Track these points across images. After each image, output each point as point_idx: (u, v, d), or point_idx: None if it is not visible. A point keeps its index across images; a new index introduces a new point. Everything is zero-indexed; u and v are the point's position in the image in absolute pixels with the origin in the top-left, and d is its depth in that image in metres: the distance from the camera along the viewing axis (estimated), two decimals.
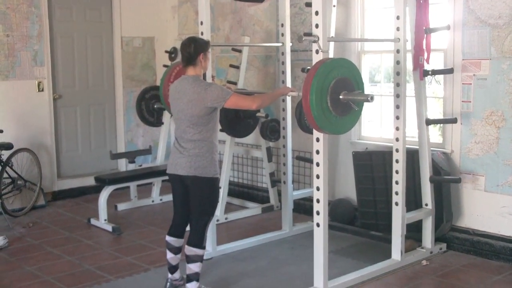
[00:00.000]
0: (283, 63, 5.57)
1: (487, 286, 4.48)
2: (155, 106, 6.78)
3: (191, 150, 4.09)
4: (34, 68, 6.92)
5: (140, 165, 7.16)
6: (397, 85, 4.77)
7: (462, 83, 5.15)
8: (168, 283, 4.39)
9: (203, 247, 4.18)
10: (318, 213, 4.18)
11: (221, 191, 6.12)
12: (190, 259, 4.14)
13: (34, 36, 6.88)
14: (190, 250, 4.14)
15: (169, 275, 4.38)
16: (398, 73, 4.77)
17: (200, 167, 4.09)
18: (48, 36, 7.02)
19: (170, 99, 4.24)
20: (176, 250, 4.33)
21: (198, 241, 4.15)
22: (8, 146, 6.34)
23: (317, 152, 4.13)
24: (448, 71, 5.09)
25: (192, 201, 4.19)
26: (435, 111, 5.60)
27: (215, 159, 4.17)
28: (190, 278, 4.17)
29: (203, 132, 4.09)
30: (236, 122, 5.97)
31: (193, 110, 4.03)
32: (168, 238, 4.34)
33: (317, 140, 4.12)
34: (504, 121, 4.92)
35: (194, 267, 4.14)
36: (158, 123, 6.95)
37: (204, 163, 4.10)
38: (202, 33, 4.82)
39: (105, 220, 6.07)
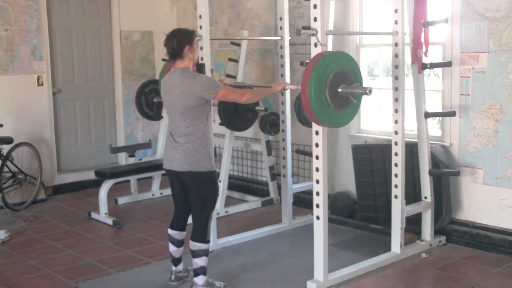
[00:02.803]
0: (281, 56, 5.58)
1: (486, 278, 4.51)
2: (155, 100, 6.78)
3: (185, 144, 4.05)
4: (33, 62, 6.92)
5: (140, 159, 7.18)
6: (396, 78, 4.78)
7: (461, 76, 5.16)
8: (173, 276, 4.41)
9: (207, 241, 4.17)
10: (317, 206, 4.20)
11: (221, 184, 6.15)
12: (195, 254, 4.15)
13: (33, 30, 6.88)
14: (194, 245, 4.14)
15: (173, 268, 4.41)
16: (396, 67, 4.78)
17: (195, 162, 4.05)
18: (46, 30, 7.02)
19: (162, 94, 4.19)
20: (179, 243, 4.35)
21: (202, 236, 4.14)
22: (8, 140, 6.36)
23: (317, 145, 4.15)
24: (446, 64, 5.10)
25: (191, 197, 4.18)
26: (433, 104, 5.62)
27: (210, 152, 4.13)
28: (196, 272, 4.18)
29: (196, 125, 4.04)
30: (236, 116, 5.98)
31: (185, 101, 3.98)
32: (170, 231, 4.36)
33: (316, 133, 4.14)
34: (502, 114, 4.93)
35: (199, 262, 4.15)
36: (157, 117, 6.96)
37: (199, 158, 4.06)
38: (201, 27, 4.83)
39: (105, 213, 6.09)
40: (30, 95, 6.93)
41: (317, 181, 4.19)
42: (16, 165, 6.52)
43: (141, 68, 7.94)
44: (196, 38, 4.50)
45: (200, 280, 4.18)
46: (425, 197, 5.09)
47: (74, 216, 6.33)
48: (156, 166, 6.65)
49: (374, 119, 6.09)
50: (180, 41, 4.06)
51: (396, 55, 4.78)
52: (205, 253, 4.16)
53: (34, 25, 6.88)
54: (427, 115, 5.04)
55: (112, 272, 4.73)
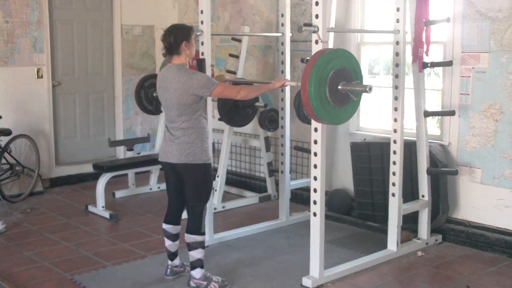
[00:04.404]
0: (282, 53, 5.58)
1: (481, 277, 4.52)
2: (154, 95, 6.73)
3: (181, 137, 4.07)
4: (33, 55, 6.91)
5: (138, 153, 7.16)
6: (396, 76, 4.78)
7: (461, 76, 5.16)
8: (169, 270, 4.41)
9: (202, 233, 4.18)
10: (315, 202, 4.21)
11: (218, 179, 6.16)
12: (190, 247, 4.15)
13: (34, 23, 6.87)
14: (189, 238, 4.15)
15: (169, 262, 4.41)
16: (397, 65, 4.78)
17: (190, 154, 4.06)
18: (47, 23, 7.01)
19: (157, 88, 4.18)
20: (174, 237, 4.35)
21: (196, 228, 4.15)
22: (7, 132, 6.34)
23: (315, 142, 4.15)
24: (447, 64, 5.10)
25: (186, 189, 4.19)
26: (433, 103, 5.62)
27: (205, 145, 4.14)
28: (193, 265, 4.19)
29: (191, 120, 4.06)
30: (235, 112, 5.98)
31: (180, 98, 3.99)
32: (164, 226, 4.36)
33: (315, 130, 4.14)
34: (502, 114, 4.93)
35: (195, 254, 4.15)
36: (157, 111, 6.94)
37: (195, 150, 4.07)
38: (202, 22, 4.83)
39: (102, 207, 6.09)
40: (30, 87, 6.92)
41: (315, 178, 4.19)
42: (14, 157, 6.51)
43: (141, 62, 7.93)
44: (197, 33, 4.49)
45: (197, 273, 4.18)
46: (423, 196, 5.10)
47: (71, 209, 6.33)
48: (154, 160, 6.59)
49: (374, 117, 6.10)
50: (177, 37, 4.06)
51: (397, 54, 4.78)
52: (201, 245, 4.17)
53: (35, 18, 6.87)
54: (427, 114, 5.04)
55: (108, 265, 4.73)
